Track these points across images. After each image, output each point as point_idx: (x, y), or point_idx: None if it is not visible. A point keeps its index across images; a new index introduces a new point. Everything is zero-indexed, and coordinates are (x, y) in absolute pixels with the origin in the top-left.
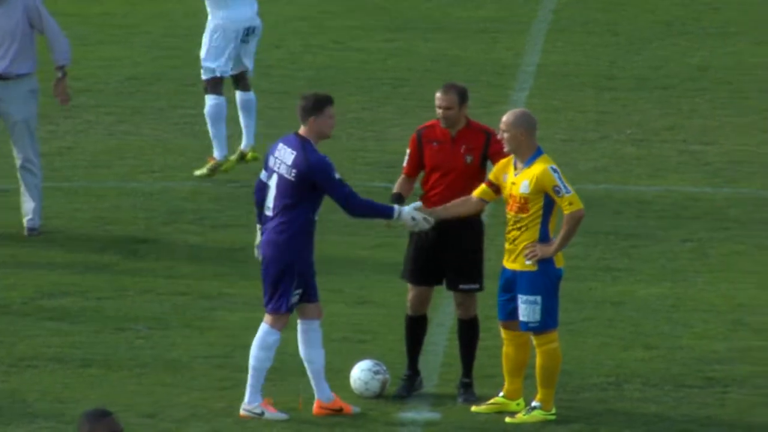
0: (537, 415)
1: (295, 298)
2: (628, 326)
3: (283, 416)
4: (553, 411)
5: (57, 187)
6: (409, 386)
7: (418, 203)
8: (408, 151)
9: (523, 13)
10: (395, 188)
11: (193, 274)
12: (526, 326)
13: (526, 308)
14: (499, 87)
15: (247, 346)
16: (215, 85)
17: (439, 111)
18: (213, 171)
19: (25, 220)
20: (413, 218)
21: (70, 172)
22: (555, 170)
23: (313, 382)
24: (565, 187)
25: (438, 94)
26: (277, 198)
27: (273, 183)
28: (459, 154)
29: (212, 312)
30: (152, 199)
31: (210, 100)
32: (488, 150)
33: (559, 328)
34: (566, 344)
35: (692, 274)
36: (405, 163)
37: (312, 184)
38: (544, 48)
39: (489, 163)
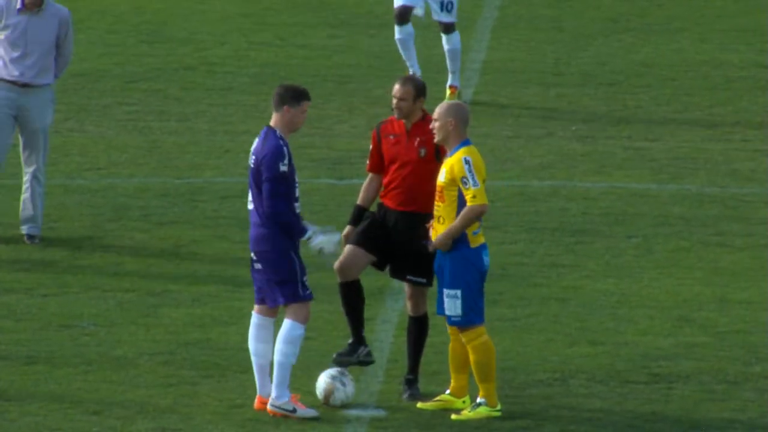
0: (482, 411)
1: (307, 281)
2: (573, 322)
3: (313, 413)
4: (499, 407)
5: (2, 185)
6: (350, 352)
7: (336, 236)
8: (371, 147)
9: (468, 9)
10: (360, 196)
11: (139, 271)
12: (450, 320)
13: (449, 302)
14: (445, 84)
15: (192, 343)
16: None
17: (393, 101)
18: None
19: (25, 227)
20: (321, 250)
21: (16, 169)
22: (467, 161)
23: (257, 377)
24: (473, 179)
25: (396, 86)
26: (251, 189)
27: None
28: (413, 147)
29: (158, 309)
30: (97, 196)
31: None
32: None
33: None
34: (511, 340)
35: (637, 270)
36: (368, 160)
37: None
38: (490, 45)
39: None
